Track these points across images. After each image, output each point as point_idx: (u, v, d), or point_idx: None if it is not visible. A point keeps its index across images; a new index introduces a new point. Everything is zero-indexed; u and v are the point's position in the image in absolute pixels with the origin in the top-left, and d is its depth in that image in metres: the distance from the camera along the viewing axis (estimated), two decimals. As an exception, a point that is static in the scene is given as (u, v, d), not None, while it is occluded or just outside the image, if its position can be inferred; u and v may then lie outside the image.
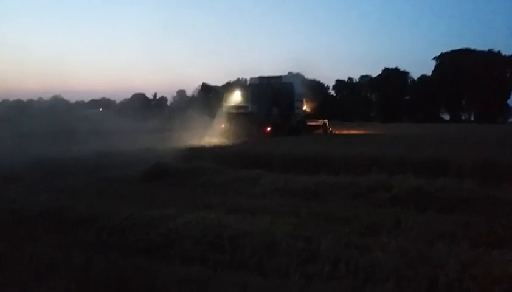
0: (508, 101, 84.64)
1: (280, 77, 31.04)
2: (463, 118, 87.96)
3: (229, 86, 38.00)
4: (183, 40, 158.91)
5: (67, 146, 18.34)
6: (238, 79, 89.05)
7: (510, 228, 6.26)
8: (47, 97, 75.94)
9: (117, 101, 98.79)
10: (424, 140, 20.69)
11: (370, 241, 5.51)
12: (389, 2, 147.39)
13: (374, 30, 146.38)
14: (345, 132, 35.45)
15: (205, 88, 33.25)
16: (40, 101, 71.60)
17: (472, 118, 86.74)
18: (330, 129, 34.57)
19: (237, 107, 27.36)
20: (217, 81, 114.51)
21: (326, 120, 34.92)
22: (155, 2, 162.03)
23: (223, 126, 26.61)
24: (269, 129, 26.78)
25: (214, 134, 25.10)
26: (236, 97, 27.90)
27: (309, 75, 61.46)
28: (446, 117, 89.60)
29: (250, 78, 32.00)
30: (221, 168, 12.36)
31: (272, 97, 28.25)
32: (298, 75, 36.48)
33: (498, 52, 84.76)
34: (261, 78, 30.65)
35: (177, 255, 5.35)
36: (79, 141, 20.53)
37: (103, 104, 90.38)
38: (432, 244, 5.30)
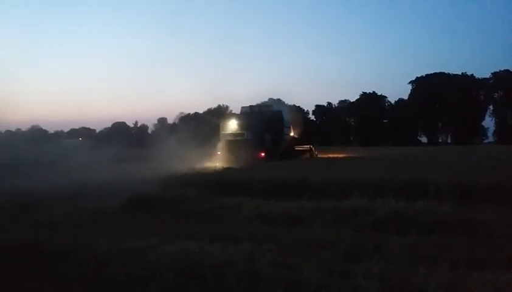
0: (483, 123, 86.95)
1: (269, 105, 34.33)
2: (440, 140, 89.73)
3: (225, 115, 40.62)
4: (162, 68, 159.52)
5: (45, 177, 17.98)
6: (219, 106, 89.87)
7: (489, 249, 6.35)
8: (25, 127, 75.03)
9: (97, 130, 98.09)
10: (404, 162, 20.96)
11: (352, 267, 5.50)
12: (365, 28, 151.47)
13: (351, 54, 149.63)
14: (328, 156, 36.23)
15: (198, 117, 35.02)
16: (18, 132, 70.60)
17: (449, 140, 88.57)
18: (316, 153, 36.27)
19: (234, 134, 29.53)
20: (198, 108, 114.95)
21: (311, 145, 36.69)
22: (134, 30, 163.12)
23: (219, 152, 28.80)
24: (263, 154, 28.51)
25: (212, 160, 27.21)
26: (232, 125, 30.12)
27: (289, 101, 62.72)
28: (424, 139, 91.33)
29: (242, 107, 33.79)
30: (202, 195, 12.27)
31: (264, 124, 30.10)
32: (280, 101, 37.61)
33: (472, 74, 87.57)
34: (251, 106, 33.01)
35: (157, 287, 5.24)
36: (58, 171, 20.20)
37: (83, 133, 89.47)
38: (413, 268, 5.32)
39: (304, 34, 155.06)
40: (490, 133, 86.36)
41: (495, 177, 11.43)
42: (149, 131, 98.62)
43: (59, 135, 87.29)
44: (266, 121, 30.43)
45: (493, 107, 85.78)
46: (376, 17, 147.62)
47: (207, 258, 5.66)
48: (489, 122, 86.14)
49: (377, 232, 7.77)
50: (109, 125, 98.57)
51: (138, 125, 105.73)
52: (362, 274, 5.08)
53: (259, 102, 35.75)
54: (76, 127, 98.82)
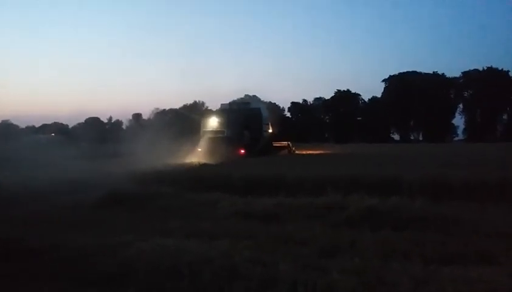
0: (453, 121, 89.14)
1: (248, 103, 34.38)
2: (412, 138, 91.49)
3: (205, 113, 41.82)
4: (137, 63, 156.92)
5: (16, 174, 17.49)
6: (195, 102, 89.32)
7: (461, 245, 6.55)
8: (-6, 122, 72.82)
9: (70, 126, 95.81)
10: (377, 159, 21.30)
11: (327, 263, 5.58)
12: (339, 27, 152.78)
13: (326, 52, 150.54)
14: (304, 152, 36.62)
15: (174, 113, 35.30)
16: (-13, 126, 68.38)
17: (421, 138, 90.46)
18: (293, 149, 36.87)
19: (215, 131, 30.11)
20: (173, 104, 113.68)
21: (289, 142, 37.27)
22: (108, 24, 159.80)
23: (200, 149, 28.98)
24: (242, 151, 29.04)
25: (189, 156, 27.36)
26: (212, 123, 30.77)
27: (264, 97, 62.70)
28: (396, 137, 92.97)
29: (221, 105, 34.22)
30: (179, 192, 12.22)
31: (243, 121, 30.89)
32: (256, 97, 37.70)
33: (443, 73, 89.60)
34: (231, 103, 33.60)
35: (133, 284, 5.18)
36: (29, 168, 19.67)
37: (55, 129, 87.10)
38: (387, 263, 5.44)
39: (278, 32, 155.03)
40: (460, 131, 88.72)
41: (466, 174, 11.76)
42: (124, 127, 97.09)
43: (30, 130, 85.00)
44: (245, 118, 31.13)
45: (463, 105, 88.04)
46: (351, 16, 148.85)
47: (183, 255, 5.66)
48: (458, 120, 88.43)
49: (352, 227, 7.89)
50: (82, 121, 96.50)
51: (113, 121, 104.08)
52: (337, 270, 5.17)
53: (235, 98, 35.89)
54: (49, 122, 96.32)
